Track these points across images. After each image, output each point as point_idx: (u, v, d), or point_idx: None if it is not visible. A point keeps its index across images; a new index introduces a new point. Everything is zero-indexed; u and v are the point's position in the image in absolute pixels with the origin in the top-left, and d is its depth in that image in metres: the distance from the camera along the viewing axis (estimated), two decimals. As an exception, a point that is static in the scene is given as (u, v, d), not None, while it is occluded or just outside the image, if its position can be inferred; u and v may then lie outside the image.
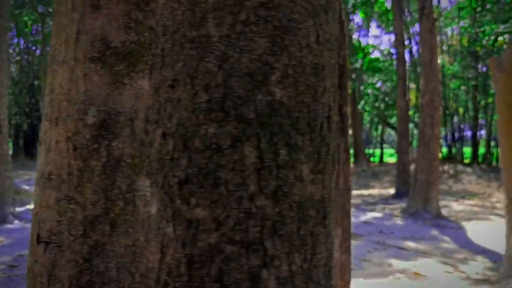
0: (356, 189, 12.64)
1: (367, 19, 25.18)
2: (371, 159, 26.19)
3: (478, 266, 4.82)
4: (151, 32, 0.74)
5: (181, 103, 0.52)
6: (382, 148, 25.76)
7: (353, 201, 10.19)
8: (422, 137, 7.89)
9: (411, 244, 6.04)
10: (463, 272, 4.44)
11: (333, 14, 0.58)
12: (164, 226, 0.52)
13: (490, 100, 20.47)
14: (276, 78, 0.51)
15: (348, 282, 1.87)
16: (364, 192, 11.88)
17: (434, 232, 6.98)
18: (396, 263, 4.59)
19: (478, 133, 18.89)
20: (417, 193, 7.93)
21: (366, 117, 26.40)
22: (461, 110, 19.52)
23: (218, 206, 0.49)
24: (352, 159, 29.33)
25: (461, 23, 17.16)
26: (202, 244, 0.50)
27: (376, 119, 28.00)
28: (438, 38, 19.69)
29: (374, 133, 29.66)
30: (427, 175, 7.77)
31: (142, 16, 0.84)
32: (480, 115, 18.79)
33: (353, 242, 5.60)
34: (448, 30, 18.04)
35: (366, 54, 24.93)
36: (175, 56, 0.53)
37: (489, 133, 19.07)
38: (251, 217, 0.50)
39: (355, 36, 29.01)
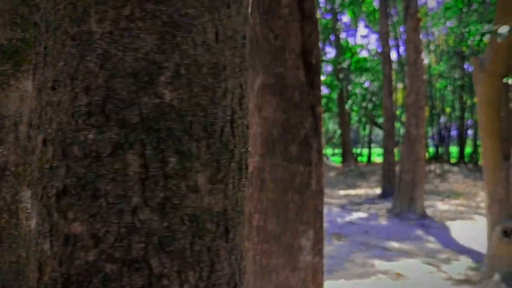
0: (343, 189, 12.66)
1: (355, 18, 25.28)
2: (359, 158, 26.30)
3: (461, 266, 4.83)
4: (35, 29, 0.69)
5: (61, 107, 0.47)
6: (370, 148, 25.90)
7: (339, 201, 10.21)
8: (407, 137, 7.91)
9: (395, 244, 6.04)
10: (445, 272, 4.44)
11: (238, 8, 0.53)
12: (42, 241, 0.47)
13: (476, 99, 20.63)
14: (165, 79, 0.47)
15: (321, 284, 1.83)
16: (351, 192, 11.89)
17: (419, 232, 6.99)
18: (379, 264, 4.57)
19: (464, 133, 19.05)
20: (402, 193, 7.95)
21: (354, 117, 26.45)
22: (448, 109, 19.68)
23: (97, 220, 0.45)
24: (339, 159, 29.44)
25: (448, 23, 17.29)
26: (80, 262, 0.45)
27: (364, 119, 28.12)
28: (425, 39, 19.84)
29: (362, 133, 29.78)
30: (412, 175, 7.78)
31: (28, 11, 0.78)
32: (466, 114, 18.94)
33: (337, 243, 5.60)
34: (435, 31, 18.14)
35: (353, 53, 25.04)
36: (56, 54, 0.48)
37: (475, 133, 19.24)
38: (134, 232, 0.45)
39: (343, 35, 29.14)
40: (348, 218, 7.72)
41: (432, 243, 6.37)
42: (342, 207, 9.03)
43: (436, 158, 17.93)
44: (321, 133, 1.89)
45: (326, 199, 8.66)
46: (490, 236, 3.93)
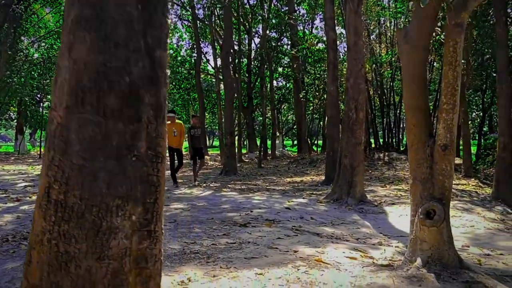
0: (290, 177, 12.45)
1: (312, 11, 25.15)
2: (314, 148, 26.38)
3: (390, 251, 4.63)
4: None
5: None
6: (324, 137, 25.93)
7: (282, 188, 9.94)
8: (347, 121, 7.71)
9: (328, 229, 5.81)
10: (371, 258, 4.20)
11: None
12: None
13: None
14: None
15: (154, 277, 1.44)
16: (297, 179, 11.70)
17: (355, 217, 6.82)
18: (303, 250, 4.27)
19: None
20: (341, 178, 7.76)
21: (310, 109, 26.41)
22: (397, 99, 19.95)
23: None
24: (295, 149, 29.37)
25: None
26: None
27: (322, 110, 28.21)
28: (377, 30, 19.91)
29: (317, 122, 29.90)
30: (351, 160, 7.60)
31: None
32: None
33: (266, 229, 5.23)
34: (384, 19, 18.22)
35: (310, 45, 24.93)
36: None
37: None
38: None
39: (300, 27, 29.01)
40: (286, 204, 7.45)
41: (367, 228, 6.20)
42: (283, 193, 8.76)
43: (386, 146, 18.14)
44: (165, 84, 1.48)
45: (270, 187, 8.30)
46: (413, 219, 3.71)
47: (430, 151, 3.69)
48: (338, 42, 11.02)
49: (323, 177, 11.26)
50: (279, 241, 4.72)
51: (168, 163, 9.68)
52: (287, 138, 49.91)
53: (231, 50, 24.66)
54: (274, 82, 34.08)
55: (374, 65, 15.76)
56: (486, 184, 10.02)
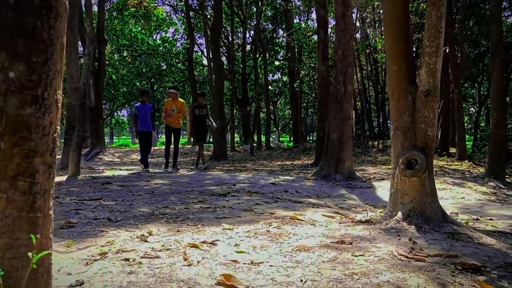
0: (281, 161, 12.19)
1: (308, 3, 24.84)
2: (309, 139, 26.13)
3: (372, 214, 4.37)
4: None
5: None
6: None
7: (270, 169, 9.68)
8: (335, 95, 7.44)
9: (312, 200, 5.54)
10: (351, 218, 3.93)
11: None
12: None
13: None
14: None
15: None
16: (288, 163, 11.44)
17: (343, 191, 6.57)
18: (280, 212, 4.01)
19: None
20: (330, 154, 7.49)
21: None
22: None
23: None
24: (292, 144, 29.11)
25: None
26: None
27: (317, 104, 28.04)
28: (372, 15, 19.63)
29: (312, 114, 29.67)
30: (339, 135, 7.34)
31: None
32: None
33: (246, 197, 4.95)
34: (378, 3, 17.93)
35: (305, 36, 24.68)
36: None
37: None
38: None
39: (296, 20, 28.76)
40: (272, 180, 7.18)
41: (354, 200, 5.95)
42: (271, 172, 8.50)
43: (381, 134, 17.90)
44: (61, 43, 1.22)
45: (258, 168, 8.02)
46: (394, 171, 3.45)
47: (412, 99, 3.43)
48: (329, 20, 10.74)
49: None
50: (256, 206, 4.46)
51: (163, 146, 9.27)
52: (284, 134, 49.67)
53: (226, 40, 24.38)
54: (270, 75, 33.86)
55: (368, 50, 15.48)
56: (479, 166, 9.78)
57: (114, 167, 10.72)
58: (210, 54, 15.36)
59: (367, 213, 4.32)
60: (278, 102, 40.17)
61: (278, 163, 11.38)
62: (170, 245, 2.75)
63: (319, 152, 9.66)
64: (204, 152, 10.65)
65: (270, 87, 34.11)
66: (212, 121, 10.29)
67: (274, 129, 43.37)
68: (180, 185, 6.46)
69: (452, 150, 13.09)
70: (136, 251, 2.61)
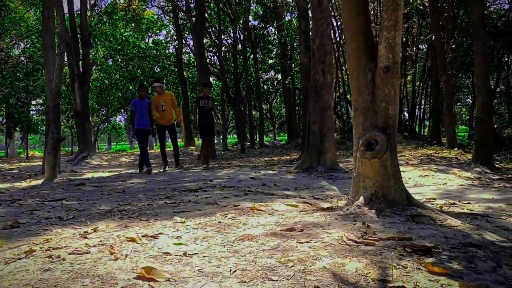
0: (269, 157, 11.99)
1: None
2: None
3: (343, 202, 4.17)
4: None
5: None
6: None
7: (253, 164, 9.47)
8: (314, 85, 7.24)
9: (288, 192, 5.34)
10: (318, 207, 3.73)
11: None
12: None
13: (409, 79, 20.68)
14: None
15: None
16: (275, 158, 11.23)
17: (324, 183, 6.36)
18: (245, 204, 3.81)
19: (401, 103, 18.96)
20: (311, 146, 7.30)
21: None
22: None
23: None
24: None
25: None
26: None
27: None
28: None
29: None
30: (320, 125, 7.14)
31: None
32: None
33: (217, 192, 4.75)
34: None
35: (296, 33, 24.45)
36: None
37: (413, 105, 19.30)
38: None
39: (287, 17, 28.56)
40: (252, 175, 6.98)
41: (333, 191, 5.74)
42: (254, 167, 8.29)
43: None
44: None
45: (243, 164, 7.84)
46: (356, 154, 3.25)
47: (371, 76, 3.23)
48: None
49: (302, 156, 10.78)
50: (223, 199, 4.27)
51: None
52: (282, 133, 49.37)
53: (217, 40, 24.18)
54: (264, 74, 33.66)
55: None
56: (469, 153, 9.56)
57: (99, 170, 10.54)
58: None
59: (337, 201, 4.13)
60: (274, 100, 39.98)
61: (266, 159, 11.18)
62: (109, 240, 2.57)
63: (304, 147, 9.46)
64: (193, 150, 10.39)
65: (264, 86, 33.93)
66: (219, 115, 9.20)
67: (272, 128, 43.17)
68: (156, 183, 6.28)
69: (444, 140, 12.89)
70: (68, 247, 2.42)
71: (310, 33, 8.84)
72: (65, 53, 14.56)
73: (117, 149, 47.04)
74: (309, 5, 9.59)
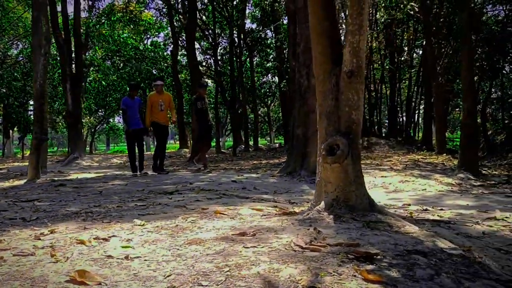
0: (258, 161, 11.97)
1: None
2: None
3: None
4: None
5: None
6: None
7: (239, 167, 9.44)
8: (298, 89, 7.23)
9: (266, 196, 5.31)
10: (286, 212, 3.70)
11: None
12: None
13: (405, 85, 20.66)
14: None
15: None
16: (264, 161, 11.21)
17: (305, 187, 6.34)
18: (213, 207, 3.79)
19: (397, 109, 18.95)
20: (295, 150, 7.27)
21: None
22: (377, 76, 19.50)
23: None
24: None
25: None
26: None
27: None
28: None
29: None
30: (304, 129, 7.12)
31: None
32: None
33: (192, 195, 4.72)
34: None
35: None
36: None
37: (408, 110, 19.28)
38: None
39: (285, 21, 28.57)
40: (234, 178, 6.96)
41: (312, 196, 5.68)
42: (239, 170, 8.27)
43: (367, 132, 17.64)
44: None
45: (229, 167, 7.80)
46: (319, 159, 3.22)
47: (335, 80, 3.21)
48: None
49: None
50: (195, 203, 4.24)
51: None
52: (281, 136, 49.32)
53: (213, 42, 24.19)
54: (262, 77, 33.69)
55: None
56: (456, 159, 9.53)
57: (88, 171, 10.51)
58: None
59: (307, 206, 4.10)
60: (272, 104, 39.97)
61: (254, 162, 11.16)
62: (60, 242, 2.54)
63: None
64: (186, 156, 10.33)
65: (262, 89, 33.96)
66: (210, 118, 8.92)
67: (269, 131, 43.13)
68: (136, 185, 6.25)
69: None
70: (16, 249, 2.40)
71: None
72: (59, 54, 14.58)
73: (115, 150, 47.03)
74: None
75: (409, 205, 4.56)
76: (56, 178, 7.83)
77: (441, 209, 4.21)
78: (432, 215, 3.88)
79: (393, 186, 5.96)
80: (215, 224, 2.88)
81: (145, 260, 2.10)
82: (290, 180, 6.86)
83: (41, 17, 8.35)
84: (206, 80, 24.04)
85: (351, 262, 1.97)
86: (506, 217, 3.62)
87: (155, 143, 8.61)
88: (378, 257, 2.03)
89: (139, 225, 3.02)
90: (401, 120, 20.01)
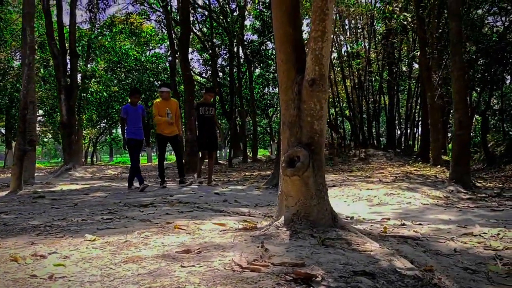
0: (250, 172, 11.80)
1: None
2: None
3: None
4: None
5: None
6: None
7: (226, 179, 9.28)
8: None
9: (242, 209, 5.14)
10: (253, 227, 3.53)
11: None
12: None
13: (404, 96, 20.50)
14: None
15: None
16: (255, 173, 11.04)
17: (288, 200, 6.13)
18: (178, 222, 3.63)
19: (394, 119, 18.77)
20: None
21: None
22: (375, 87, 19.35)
23: None
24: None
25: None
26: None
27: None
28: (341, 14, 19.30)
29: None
30: (290, 140, 6.95)
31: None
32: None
33: (165, 208, 4.56)
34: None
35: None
36: None
37: (406, 121, 19.08)
38: None
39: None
40: (217, 190, 6.80)
41: (292, 209, 5.51)
42: (225, 182, 8.10)
43: (364, 143, 17.45)
44: None
45: (219, 178, 7.64)
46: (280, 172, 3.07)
47: (298, 89, 3.07)
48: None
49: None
50: (163, 216, 4.09)
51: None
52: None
53: (210, 52, 24.22)
54: (262, 89, 33.65)
55: (345, 57, 15.18)
56: (451, 170, 9.31)
57: (78, 182, 10.40)
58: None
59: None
60: (273, 115, 39.89)
61: (246, 173, 10.99)
62: (-5, 260, 2.39)
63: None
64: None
65: (263, 100, 33.88)
66: (219, 127, 8.14)
67: (271, 142, 42.96)
68: (115, 197, 6.11)
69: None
70: None
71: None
72: (53, 65, 14.59)
73: (117, 161, 47.05)
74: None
75: (389, 219, 4.37)
76: (39, 190, 7.70)
77: (420, 224, 4.03)
78: (408, 230, 3.70)
79: (378, 199, 5.77)
80: (165, 240, 2.72)
81: (69, 280, 1.95)
82: (275, 192, 6.68)
83: (27, 27, 8.31)
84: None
85: (287, 285, 1.81)
86: (484, 233, 3.43)
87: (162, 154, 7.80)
88: (317, 279, 1.87)
89: (89, 240, 2.87)
90: (399, 131, 19.80)
